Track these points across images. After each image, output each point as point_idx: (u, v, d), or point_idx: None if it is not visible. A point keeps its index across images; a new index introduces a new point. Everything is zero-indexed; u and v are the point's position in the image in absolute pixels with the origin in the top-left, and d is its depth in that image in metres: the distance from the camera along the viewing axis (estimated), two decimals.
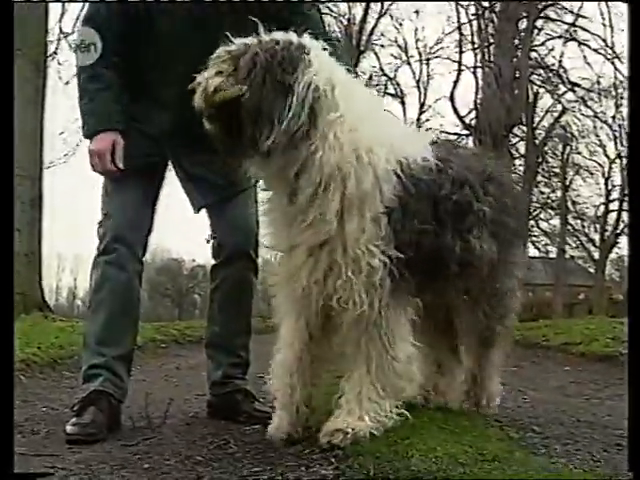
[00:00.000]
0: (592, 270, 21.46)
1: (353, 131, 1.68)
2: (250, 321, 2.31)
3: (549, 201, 18.72)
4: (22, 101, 6.31)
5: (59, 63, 10.44)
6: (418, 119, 16.42)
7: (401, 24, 16.16)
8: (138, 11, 2.12)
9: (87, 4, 2.27)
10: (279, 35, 1.71)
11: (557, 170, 18.64)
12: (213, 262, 2.30)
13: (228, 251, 2.24)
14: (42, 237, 6.65)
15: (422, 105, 17.08)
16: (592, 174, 19.10)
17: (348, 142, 1.67)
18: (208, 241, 2.30)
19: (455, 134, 15.13)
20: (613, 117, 16.66)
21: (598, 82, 14.49)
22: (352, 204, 1.67)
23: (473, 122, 14.56)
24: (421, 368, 1.90)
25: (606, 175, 19.40)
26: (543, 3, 13.80)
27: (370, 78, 16.16)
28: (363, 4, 14.97)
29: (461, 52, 14.88)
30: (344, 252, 1.67)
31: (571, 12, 13.74)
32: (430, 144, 1.87)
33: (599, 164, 19.23)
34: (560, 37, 14.21)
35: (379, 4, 15.28)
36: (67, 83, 10.47)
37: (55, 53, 9.96)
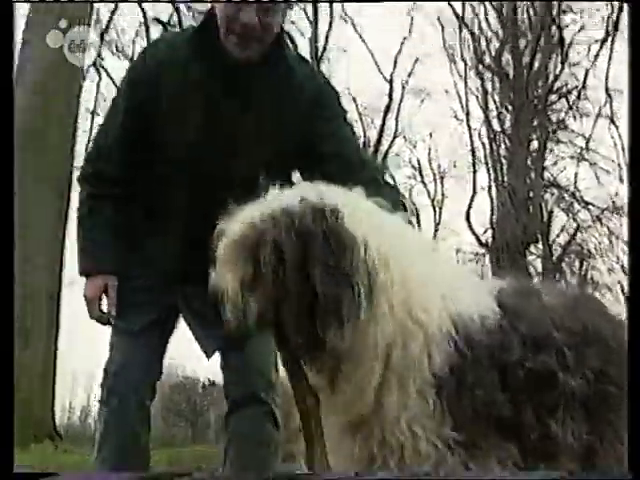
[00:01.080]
0: None
1: (406, 289, 1.38)
2: None
3: None
4: (46, 226, 6.46)
5: None
6: (433, 237, 16.57)
7: (415, 145, 16.69)
8: (145, 140, 2.02)
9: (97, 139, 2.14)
10: (296, 201, 1.38)
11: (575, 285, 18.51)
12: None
13: (235, 395, 2.03)
14: (57, 356, 6.60)
15: (437, 224, 17.30)
16: (611, 290, 18.91)
17: (401, 304, 1.37)
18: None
19: (472, 252, 15.25)
20: None
21: (613, 202, 14.62)
22: (393, 374, 1.35)
23: (489, 241, 14.63)
24: None
25: (626, 294, 19.16)
26: (553, 127, 14.19)
27: None
28: (378, 128, 15.48)
29: (475, 172, 15.21)
30: (382, 438, 1.35)
31: (582, 135, 14.11)
32: (496, 291, 1.48)
33: (618, 281, 19.07)
34: (572, 158, 14.52)
35: (393, 128, 15.81)
36: None
37: None
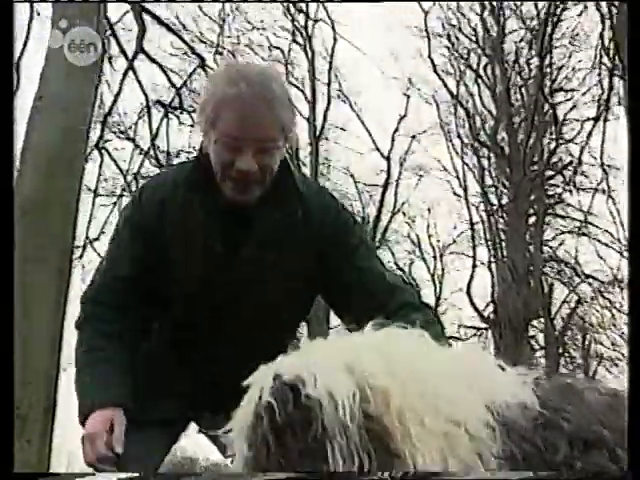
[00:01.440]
0: None
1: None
2: None
3: None
4: (44, 309, 6.36)
5: (83, 267, 10.77)
6: (434, 312, 16.44)
7: (414, 221, 16.80)
8: (153, 293, 1.93)
9: (97, 282, 2.02)
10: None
11: (579, 361, 18.26)
12: None
13: None
14: (52, 449, 6.39)
15: (438, 298, 17.20)
16: (617, 365, 18.66)
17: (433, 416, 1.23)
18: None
19: (473, 327, 15.10)
20: None
21: (615, 277, 14.61)
22: None
23: (491, 315, 14.53)
24: None
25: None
26: (550, 201, 14.34)
27: None
28: (377, 204, 15.62)
29: (474, 247, 15.25)
30: None
31: (580, 210, 14.24)
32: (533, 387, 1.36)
33: (622, 354, 18.84)
34: (570, 232, 14.60)
35: (391, 204, 15.95)
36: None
37: (80, 257, 10.28)
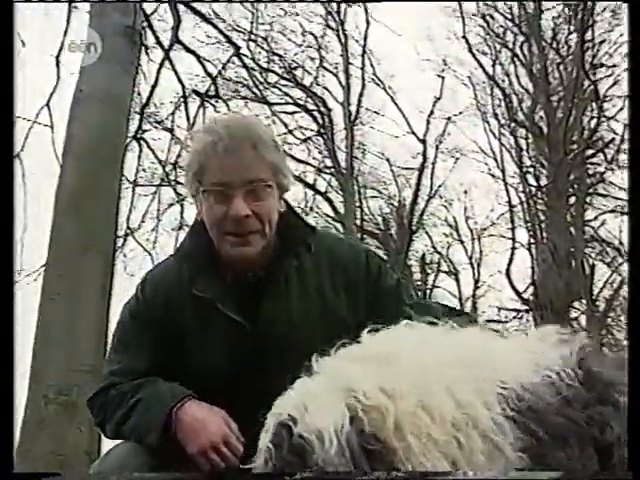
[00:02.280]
0: None
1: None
2: None
3: None
4: (91, 298, 6.50)
5: (125, 256, 10.95)
6: (473, 295, 16.35)
7: (450, 204, 16.66)
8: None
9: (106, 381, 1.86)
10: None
11: (623, 343, 17.98)
12: None
13: None
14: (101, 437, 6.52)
15: (477, 281, 17.07)
16: None
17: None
18: None
19: (513, 309, 14.95)
20: None
21: None
22: None
23: (532, 297, 14.36)
24: None
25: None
26: (592, 180, 14.07)
27: (423, 257, 16.41)
28: (413, 187, 15.53)
29: (513, 229, 15.07)
30: None
31: (623, 188, 13.95)
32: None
33: None
34: (612, 211, 14.32)
35: (428, 187, 15.84)
36: (132, 276, 10.89)
37: (122, 247, 10.44)
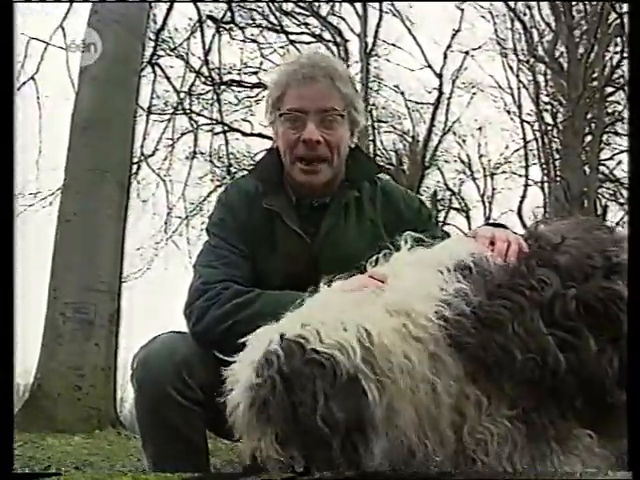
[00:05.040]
0: None
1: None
2: None
3: None
4: (107, 220, 6.60)
5: (138, 182, 11.01)
6: None
7: (464, 140, 16.51)
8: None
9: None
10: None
11: None
12: None
13: None
14: (118, 352, 6.73)
15: (487, 219, 17.04)
16: None
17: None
18: None
19: None
20: None
21: None
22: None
23: None
24: None
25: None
26: (610, 119, 13.86)
27: (435, 194, 16.37)
28: (428, 123, 15.38)
29: (527, 167, 14.97)
30: None
31: None
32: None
33: None
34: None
35: (443, 122, 15.68)
36: (144, 202, 10.98)
37: (136, 174, 10.49)
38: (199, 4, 9.89)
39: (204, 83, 11.88)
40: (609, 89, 13.72)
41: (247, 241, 1.91)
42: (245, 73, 12.59)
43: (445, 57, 14.84)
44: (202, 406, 1.74)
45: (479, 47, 14.80)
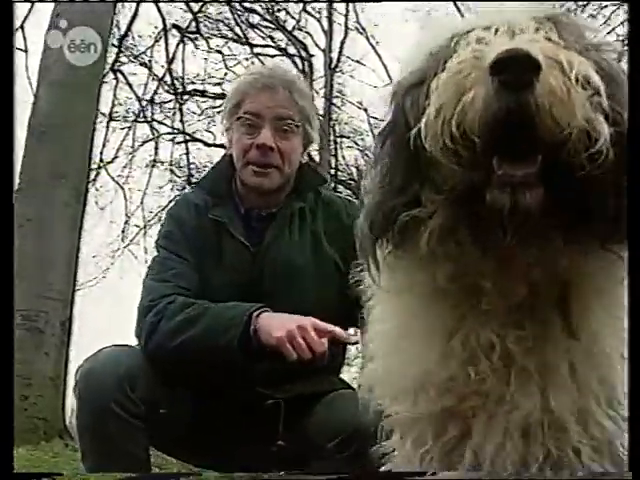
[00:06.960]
0: None
1: None
2: None
3: None
4: (61, 226, 6.47)
5: (96, 189, 10.86)
6: None
7: None
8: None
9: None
10: None
11: None
12: None
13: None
14: (69, 361, 6.58)
15: None
16: None
17: None
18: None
19: None
20: None
21: None
22: None
23: None
24: None
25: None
26: None
27: None
28: None
29: None
30: None
31: None
32: None
33: None
34: None
35: None
36: (102, 209, 10.83)
37: (95, 180, 10.35)
38: (164, 14, 9.84)
39: (167, 92, 11.82)
40: None
41: (195, 253, 1.92)
42: (209, 83, 12.58)
43: None
44: (144, 421, 1.74)
45: None
